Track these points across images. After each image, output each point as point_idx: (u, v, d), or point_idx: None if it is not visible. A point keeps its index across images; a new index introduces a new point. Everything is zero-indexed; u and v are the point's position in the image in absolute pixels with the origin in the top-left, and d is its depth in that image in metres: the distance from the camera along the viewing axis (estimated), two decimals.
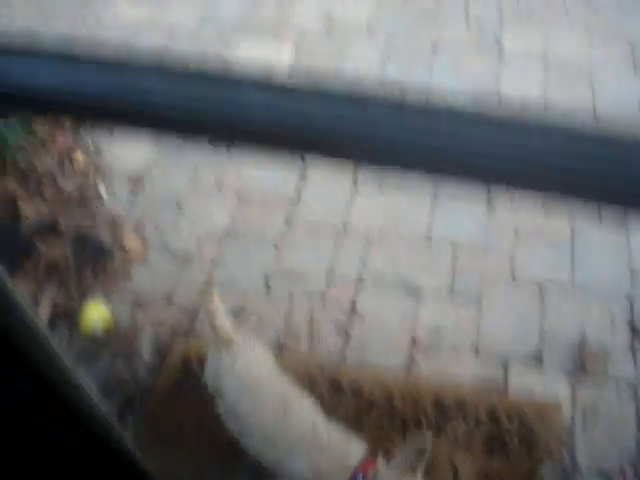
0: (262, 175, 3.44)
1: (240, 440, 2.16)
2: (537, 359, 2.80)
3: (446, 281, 3.03)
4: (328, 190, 3.39)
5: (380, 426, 2.59)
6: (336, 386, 2.68)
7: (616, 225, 3.24)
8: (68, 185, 3.28)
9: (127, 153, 3.52)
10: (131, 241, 3.12)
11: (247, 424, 2.12)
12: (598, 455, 2.56)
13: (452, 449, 2.54)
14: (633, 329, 2.88)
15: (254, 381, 2.14)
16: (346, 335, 2.85)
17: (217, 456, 2.48)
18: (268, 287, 3.01)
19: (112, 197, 3.32)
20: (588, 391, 2.72)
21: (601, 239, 3.19)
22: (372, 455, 2.06)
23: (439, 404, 2.64)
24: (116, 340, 2.82)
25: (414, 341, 2.84)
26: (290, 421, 2.07)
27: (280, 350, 2.79)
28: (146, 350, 2.80)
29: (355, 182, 3.43)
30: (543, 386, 2.73)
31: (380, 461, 2.01)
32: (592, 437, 2.60)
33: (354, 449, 2.06)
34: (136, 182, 3.38)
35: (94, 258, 3.03)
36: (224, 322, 2.21)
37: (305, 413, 2.13)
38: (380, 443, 2.53)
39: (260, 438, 2.11)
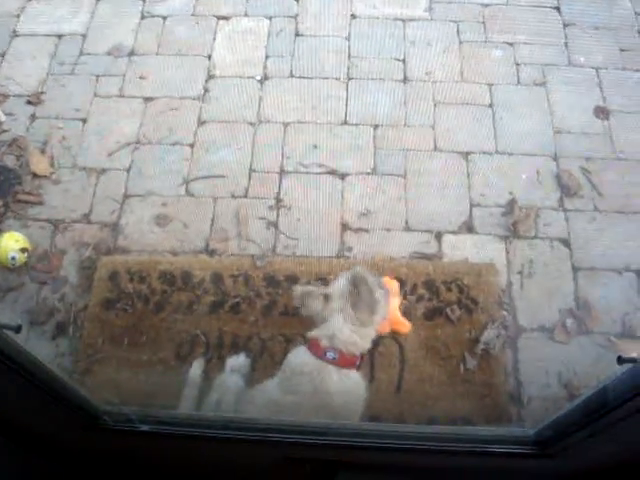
0: (167, 76, 3.27)
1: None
2: (468, 227, 2.80)
3: (369, 162, 2.97)
4: (236, 83, 3.24)
5: None
6: (272, 281, 2.65)
7: (534, 84, 3.20)
8: None
9: (20, 72, 3.29)
10: (38, 163, 2.95)
11: None
12: (538, 312, 2.61)
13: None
14: (561, 187, 2.89)
15: None
16: (275, 229, 2.79)
17: (157, 364, 2.46)
18: (189, 192, 2.90)
19: (12, 119, 3.11)
20: (522, 252, 2.74)
21: (521, 99, 3.15)
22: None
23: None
24: (39, 267, 2.71)
25: (344, 226, 2.80)
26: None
27: (210, 255, 2.73)
28: (71, 273, 2.71)
29: (265, 67, 3.30)
30: (477, 252, 2.74)
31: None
32: (530, 296, 2.65)
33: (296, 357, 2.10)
34: (35, 101, 3.18)
35: (1, 185, 2.87)
36: None
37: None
38: None
39: None
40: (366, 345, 2.10)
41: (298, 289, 2.17)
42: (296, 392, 1.95)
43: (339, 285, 2.13)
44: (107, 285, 2.64)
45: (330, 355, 1.99)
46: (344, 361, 2.01)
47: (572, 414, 1.28)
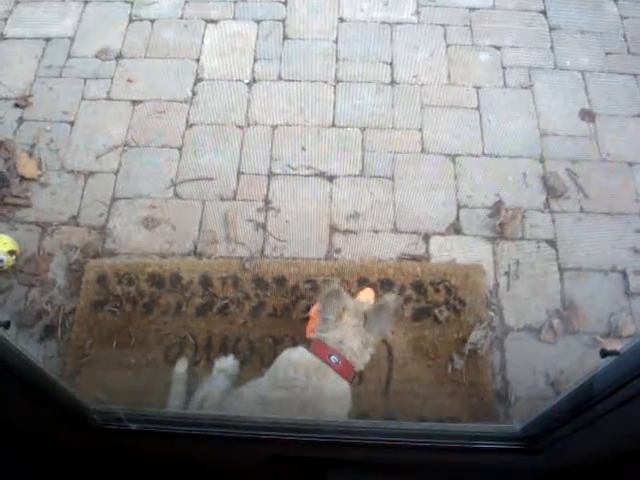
0: (155, 79, 3.27)
1: None
2: (456, 229, 2.81)
3: (357, 164, 2.98)
4: (225, 86, 3.25)
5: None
6: (260, 283, 2.65)
7: (521, 87, 3.23)
8: None
9: (8, 75, 3.29)
10: (26, 165, 2.94)
11: None
12: (525, 313, 2.63)
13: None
14: (548, 188, 2.91)
15: None
16: (264, 231, 2.80)
17: (145, 366, 2.47)
18: (177, 194, 2.90)
19: None
20: (509, 253, 2.76)
21: (508, 102, 3.18)
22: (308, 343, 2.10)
23: (365, 284, 2.64)
24: (27, 270, 2.70)
25: (333, 228, 2.81)
26: None
27: (199, 257, 2.73)
28: (60, 275, 2.70)
29: (253, 70, 3.32)
30: (464, 253, 2.76)
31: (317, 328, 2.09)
32: (517, 296, 2.67)
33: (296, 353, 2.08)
34: (23, 104, 3.17)
35: None
36: None
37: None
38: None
39: None
40: (361, 366, 2.09)
41: (335, 284, 2.14)
42: (288, 387, 1.95)
43: (360, 305, 2.13)
44: (95, 287, 2.64)
45: (334, 359, 1.99)
46: (344, 369, 2.00)
47: (558, 408, 1.29)
